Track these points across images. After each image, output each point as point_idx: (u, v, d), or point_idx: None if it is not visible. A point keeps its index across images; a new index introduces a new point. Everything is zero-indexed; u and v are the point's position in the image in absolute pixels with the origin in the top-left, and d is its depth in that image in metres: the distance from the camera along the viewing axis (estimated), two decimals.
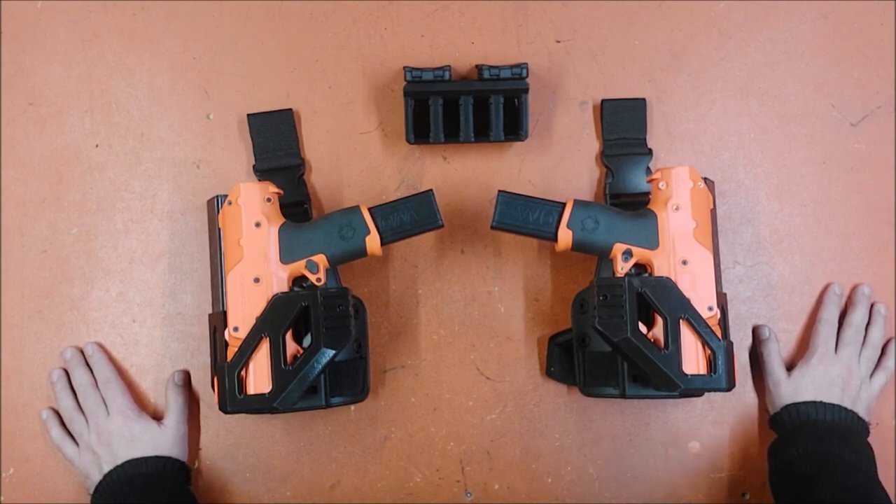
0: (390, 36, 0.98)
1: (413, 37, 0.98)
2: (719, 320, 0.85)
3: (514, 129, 0.93)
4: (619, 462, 0.95)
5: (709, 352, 0.83)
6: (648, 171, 0.95)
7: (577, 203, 0.86)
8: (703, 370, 0.83)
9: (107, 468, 0.89)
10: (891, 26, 0.98)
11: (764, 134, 0.98)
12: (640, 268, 0.86)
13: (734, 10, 0.98)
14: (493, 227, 0.87)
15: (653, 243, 0.85)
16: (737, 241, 0.97)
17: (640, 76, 0.98)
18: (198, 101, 0.97)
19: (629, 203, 0.91)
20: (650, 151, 0.96)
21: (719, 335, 0.83)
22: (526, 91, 0.92)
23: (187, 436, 0.94)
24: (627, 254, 0.85)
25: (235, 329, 0.84)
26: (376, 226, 0.86)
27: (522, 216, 0.86)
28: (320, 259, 0.85)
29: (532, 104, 0.95)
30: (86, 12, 0.97)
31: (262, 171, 0.95)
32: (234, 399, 0.83)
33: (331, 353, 0.82)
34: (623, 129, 0.96)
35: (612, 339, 0.82)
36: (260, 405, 0.82)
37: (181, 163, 0.97)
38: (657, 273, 0.85)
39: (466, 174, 0.97)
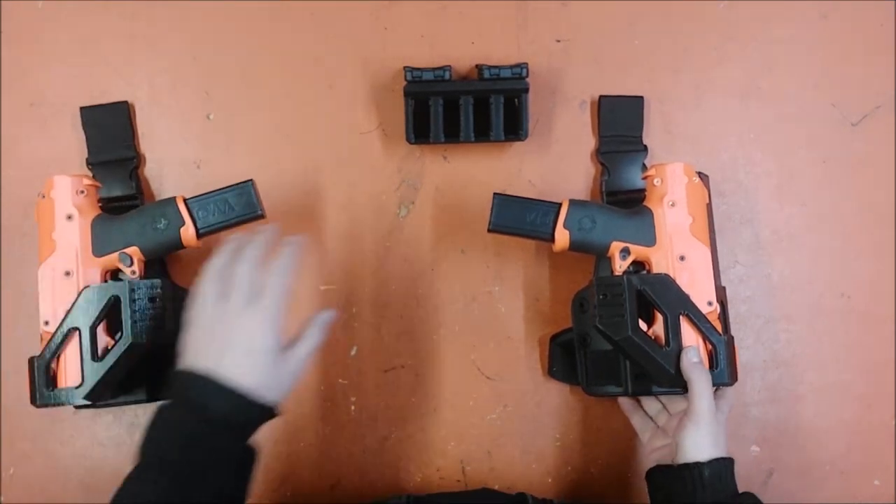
0: (390, 36, 0.98)
1: (413, 37, 0.98)
2: (719, 315, 0.84)
3: (514, 128, 0.93)
4: (620, 462, 0.95)
5: (710, 347, 0.82)
6: (644, 167, 0.95)
7: (573, 203, 0.86)
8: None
9: (194, 364, 0.72)
10: (891, 26, 0.98)
11: (764, 134, 0.98)
12: (639, 265, 0.86)
13: (734, 10, 0.98)
14: (489, 230, 0.86)
15: (650, 240, 0.85)
16: (737, 241, 0.96)
17: (640, 76, 0.98)
18: (198, 101, 0.97)
19: (625, 200, 0.91)
20: (645, 148, 0.96)
21: (720, 330, 0.83)
22: (526, 91, 0.92)
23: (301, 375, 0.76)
24: (625, 252, 0.85)
25: (46, 323, 0.83)
26: (192, 217, 0.84)
27: (519, 218, 0.86)
28: (134, 251, 0.84)
29: (532, 104, 0.95)
30: (86, 12, 0.98)
31: (96, 164, 0.95)
32: (42, 393, 0.82)
33: (139, 344, 0.81)
34: (620, 126, 0.96)
35: (613, 337, 0.82)
36: (69, 399, 0.82)
37: (181, 163, 0.97)
38: (655, 270, 0.84)
39: (466, 174, 0.97)
